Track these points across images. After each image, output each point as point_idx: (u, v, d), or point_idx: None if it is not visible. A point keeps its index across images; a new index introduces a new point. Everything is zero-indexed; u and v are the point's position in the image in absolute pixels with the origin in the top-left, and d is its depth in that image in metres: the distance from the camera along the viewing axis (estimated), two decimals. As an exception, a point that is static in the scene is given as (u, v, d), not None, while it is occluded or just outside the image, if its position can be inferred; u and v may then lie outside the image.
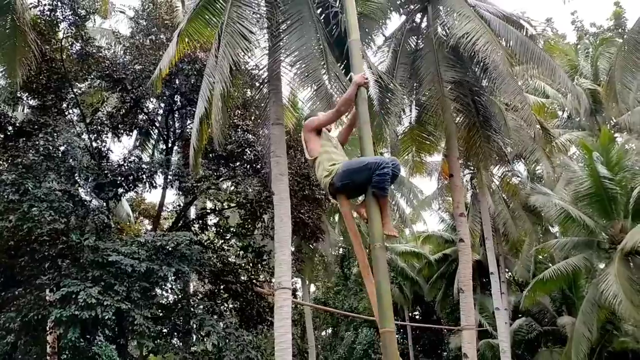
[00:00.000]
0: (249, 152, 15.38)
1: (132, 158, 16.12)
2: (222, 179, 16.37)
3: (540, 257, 26.53)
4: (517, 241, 25.26)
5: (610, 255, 17.59)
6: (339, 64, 9.81)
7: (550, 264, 22.67)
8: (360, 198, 4.44)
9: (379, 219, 4.15)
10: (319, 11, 10.36)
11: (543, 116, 22.65)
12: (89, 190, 13.94)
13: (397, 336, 30.29)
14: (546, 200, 19.53)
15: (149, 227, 21.42)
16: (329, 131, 4.71)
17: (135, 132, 17.82)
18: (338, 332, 30.56)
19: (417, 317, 32.94)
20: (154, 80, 11.19)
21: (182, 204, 19.10)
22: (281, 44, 9.90)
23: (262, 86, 12.31)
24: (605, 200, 17.35)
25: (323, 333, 32.86)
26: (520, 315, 25.50)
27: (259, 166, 15.86)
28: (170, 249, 13.20)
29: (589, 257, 18.96)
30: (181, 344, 15.37)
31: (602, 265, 19.60)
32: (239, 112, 15.74)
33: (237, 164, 15.96)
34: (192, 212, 20.28)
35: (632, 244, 15.80)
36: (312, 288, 29.65)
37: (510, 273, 27.59)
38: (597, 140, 18.77)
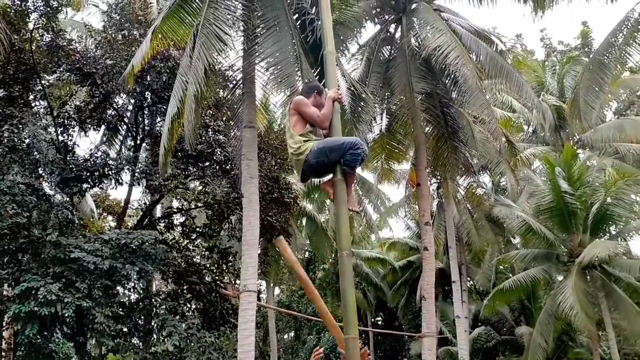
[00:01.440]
0: (219, 153, 15.31)
1: (99, 153, 15.91)
2: (190, 178, 16.27)
3: (502, 267, 27.08)
4: (480, 251, 25.77)
5: (569, 268, 18.12)
6: (313, 70, 9.89)
7: (510, 274, 23.22)
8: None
9: (347, 226, 4.24)
10: (295, 17, 10.41)
11: (509, 130, 23.21)
12: (53, 184, 13.67)
13: (359, 341, 30.38)
14: (509, 212, 20.00)
15: (113, 224, 21.10)
16: None
17: (103, 127, 17.54)
18: (300, 335, 30.59)
19: (379, 322, 33.21)
20: (125, 77, 11.09)
21: (148, 202, 18.89)
22: (257, 47, 9.92)
23: (235, 88, 12.31)
24: (565, 215, 17.86)
25: (285, 336, 32.85)
26: (479, 324, 25.96)
27: (228, 167, 15.79)
28: (134, 247, 13.04)
29: (548, 269, 19.48)
30: (141, 343, 15.16)
31: (560, 278, 20.17)
32: (211, 112, 15.67)
33: (207, 164, 15.87)
34: (158, 211, 20.07)
35: (589, 258, 16.32)
36: (277, 291, 29.66)
37: (471, 282, 28.07)
38: (560, 155, 19.33)
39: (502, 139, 17.87)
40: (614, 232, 19.36)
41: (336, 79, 4.76)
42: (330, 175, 4.37)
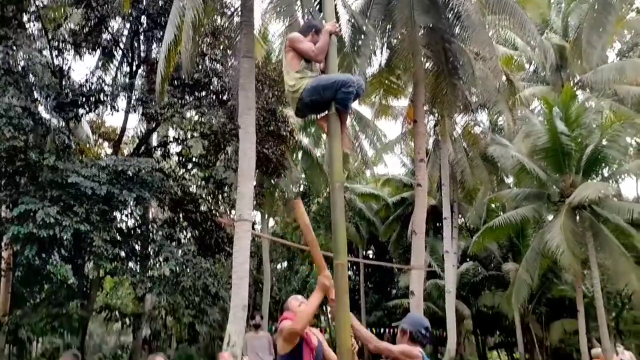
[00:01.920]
0: (216, 83, 15.15)
1: (94, 79, 15.75)
2: (187, 107, 16.19)
3: (493, 205, 27.46)
4: (473, 189, 26.04)
5: (559, 207, 18.39)
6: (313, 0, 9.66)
7: (501, 213, 23.56)
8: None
9: (340, 158, 4.31)
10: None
11: (510, 68, 22.93)
12: (49, 108, 13.59)
13: (349, 273, 31.27)
14: (504, 152, 20.09)
15: (109, 151, 21.15)
16: None
17: (98, 51, 17.25)
18: (293, 265, 31.38)
19: (370, 256, 33.99)
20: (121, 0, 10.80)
21: (144, 130, 18.85)
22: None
23: (233, 16, 12.04)
24: (559, 155, 17.96)
25: (279, 266, 33.67)
26: (467, 260, 26.62)
27: (225, 97, 15.69)
28: (131, 174, 13.16)
29: (539, 208, 19.77)
30: (138, 267, 15.55)
31: (550, 217, 20.51)
32: (208, 40, 15.38)
33: (203, 93, 15.75)
34: (154, 139, 20.06)
35: (579, 199, 16.54)
36: (271, 222, 30.07)
37: (462, 219, 28.55)
38: (559, 96, 19.19)
39: (503, 77, 17.71)
40: (606, 174, 19.53)
41: (334, 11, 4.69)
42: (327, 112, 4.39)
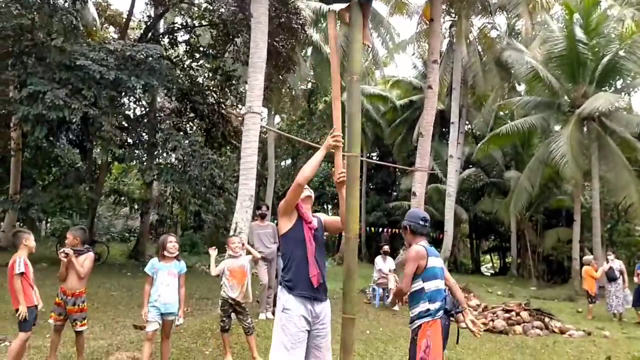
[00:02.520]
0: (228, -32, 14.51)
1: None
2: (196, -7, 15.66)
3: (502, 113, 27.26)
4: (483, 95, 25.76)
5: (568, 117, 18.29)
6: None
7: (509, 121, 23.43)
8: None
9: (360, 50, 4.24)
10: None
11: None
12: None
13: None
14: (519, 57, 19.61)
15: (115, 36, 20.70)
16: None
17: None
18: (297, 163, 31.69)
19: (374, 158, 34.29)
20: None
21: (152, 15, 18.33)
22: None
23: None
24: (575, 64, 17.60)
25: (282, 163, 34.01)
26: (470, 166, 26.82)
27: (236, -15, 15.08)
28: (139, 60, 12.97)
29: (547, 117, 19.67)
30: (146, 155, 15.75)
31: (557, 128, 20.43)
32: None
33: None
34: (161, 26, 19.54)
35: (590, 109, 16.41)
36: (277, 119, 29.98)
37: (469, 125, 28.44)
38: (581, 1, 18.43)
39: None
40: (619, 86, 19.21)
41: None
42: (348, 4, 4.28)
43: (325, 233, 4.12)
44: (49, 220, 23.67)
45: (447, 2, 16.20)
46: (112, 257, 17.02)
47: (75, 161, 19.86)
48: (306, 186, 3.82)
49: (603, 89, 18.17)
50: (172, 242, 5.27)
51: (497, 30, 23.45)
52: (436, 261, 4.13)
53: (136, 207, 17.97)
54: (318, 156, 3.76)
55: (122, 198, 18.63)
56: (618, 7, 18.73)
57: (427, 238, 4.39)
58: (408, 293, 4.13)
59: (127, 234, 25.78)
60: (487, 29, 22.84)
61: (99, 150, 16.67)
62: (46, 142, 14.93)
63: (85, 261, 5.04)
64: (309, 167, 3.71)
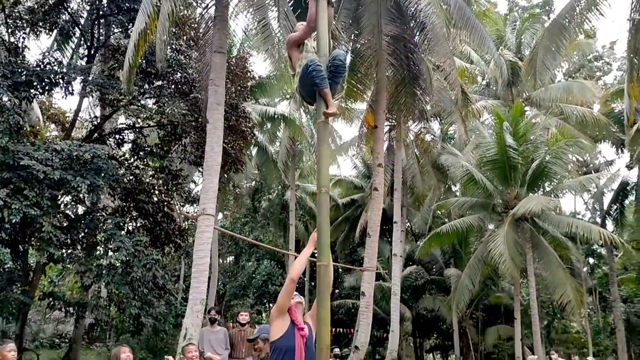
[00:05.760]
0: (179, 74, 15.00)
1: (51, 60, 15.29)
2: (146, 95, 15.95)
3: (439, 212, 28.29)
4: (421, 195, 26.76)
5: (503, 218, 19.22)
6: (288, 0, 9.76)
7: (446, 220, 24.36)
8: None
9: (328, 164, 4.49)
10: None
11: (464, 80, 23.71)
12: (4, 87, 13.08)
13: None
14: (454, 161, 20.79)
15: (55, 133, 20.49)
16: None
17: (55, 32, 16.77)
18: (240, 261, 31.25)
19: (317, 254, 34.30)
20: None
21: (98, 115, 18.39)
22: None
23: (205, 10, 11.99)
24: (506, 168, 18.79)
25: (225, 261, 33.44)
26: (411, 263, 27.30)
27: (186, 89, 15.54)
28: (86, 160, 12.87)
29: (483, 217, 20.60)
30: (85, 256, 15.17)
31: (491, 226, 21.38)
32: (173, 30, 15.19)
33: (164, 83, 15.55)
34: (107, 126, 19.56)
35: (523, 211, 17.37)
36: (220, 216, 29.85)
37: (409, 223, 29.25)
38: (509, 110, 20.05)
39: (458, 89, 18.32)
40: (548, 189, 20.54)
41: None
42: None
43: None
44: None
45: (387, 109, 17.16)
46: (41, 367, 15.78)
47: (5, 261, 18.76)
48: (296, 293, 3.87)
49: (534, 191, 19.37)
50: (125, 353, 5.13)
51: (433, 135, 24.90)
52: None
53: (71, 310, 17.03)
54: (307, 252, 3.89)
55: (57, 302, 17.59)
56: (542, 116, 20.44)
57: None
58: None
59: (57, 340, 24.06)
60: (423, 133, 24.22)
61: (34, 250, 15.93)
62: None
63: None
64: (299, 264, 3.81)
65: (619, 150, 24.83)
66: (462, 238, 24.63)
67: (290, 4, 10.08)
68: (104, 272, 13.93)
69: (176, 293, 23.16)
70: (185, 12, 15.24)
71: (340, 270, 30.79)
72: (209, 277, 25.07)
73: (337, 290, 32.12)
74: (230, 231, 23.34)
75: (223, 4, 10.26)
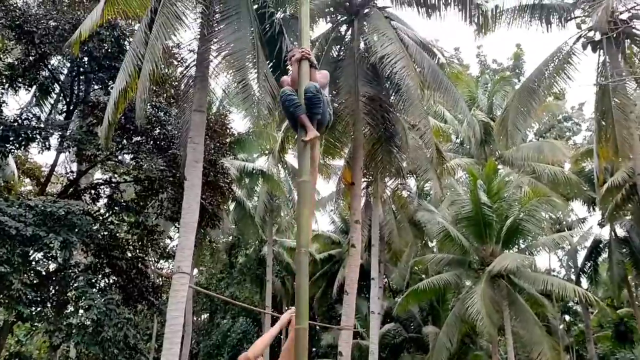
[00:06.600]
0: (158, 130, 15.11)
1: (29, 115, 15.34)
2: (124, 151, 15.97)
3: (417, 268, 28.28)
4: (398, 251, 26.79)
5: (479, 275, 19.31)
6: (268, 62, 10.04)
7: (424, 276, 24.38)
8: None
9: (308, 224, 4.55)
10: (255, 7, 10.52)
11: (438, 139, 24.27)
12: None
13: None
14: (430, 217, 21.01)
15: (30, 188, 20.23)
16: None
17: (34, 87, 16.86)
18: (215, 318, 30.60)
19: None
20: (72, 43, 10.76)
21: (74, 171, 18.28)
22: (215, 34, 9.94)
23: (188, 68, 12.22)
24: (481, 225, 19.02)
25: (199, 318, 32.69)
26: (389, 321, 27.01)
27: (164, 145, 15.61)
28: (60, 216, 12.71)
29: (460, 274, 20.66)
30: (56, 314, 14.74)
31: (468, 283, 21.43)
32: (153, 88, 15.40)
33: (143, 139, 15.62)
34: (83, 181, 19.43)
35: (499, 268, 17.49)
36: (195, 272, 29.40)
37: (386, 280, 29.12)
38: (482, 169, 20.50)
39: (433, 147, 18.74)
40: (522, 246, 20.80)
41: (308, 36, 5.03)
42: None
43: None
44: None
45: (364, 166, 17.42)
46: None
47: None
48: None
49: (509, 248, 19.58)
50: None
51: (409, 191, 25.20)
52: None
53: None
54: (273, 333, 3.83)
55: (24, 363, 16.96)
56: (515, 175, 20.92)
57: None
58: None
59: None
60: (399, 190, 24.50)
61: (2, 308, 15.42)
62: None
63: None
64: (263, 343, 3.76)
65: (591, 208, 25.40)
66: (440, 295, 24.57)
67: (269, 66, 10.35)
68: (73, 331, 13.52)
69: (148, 353, 22.44)
70: (167, 70, 15.50)
71: (317, 328, 30.30)
72: (182, 336, 24.52)
73: (314, 349, 31.50)
74: (205, 288, 22.97)
75: (204, 64, 10.50)
